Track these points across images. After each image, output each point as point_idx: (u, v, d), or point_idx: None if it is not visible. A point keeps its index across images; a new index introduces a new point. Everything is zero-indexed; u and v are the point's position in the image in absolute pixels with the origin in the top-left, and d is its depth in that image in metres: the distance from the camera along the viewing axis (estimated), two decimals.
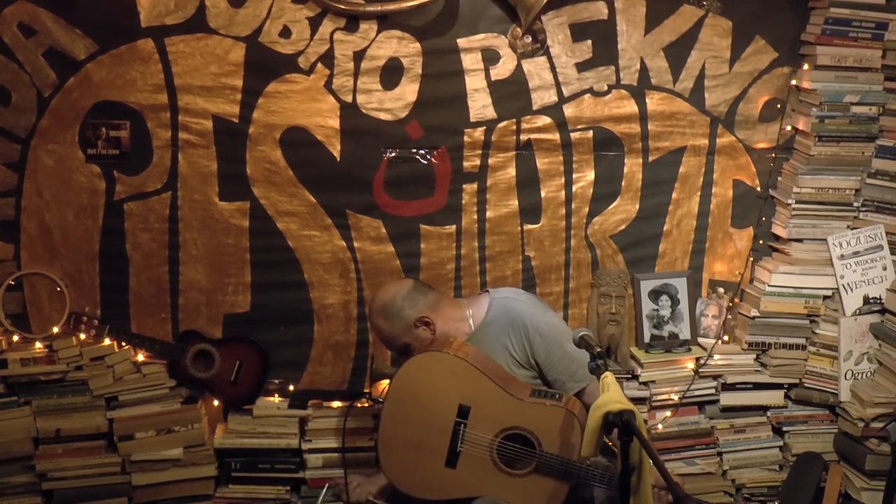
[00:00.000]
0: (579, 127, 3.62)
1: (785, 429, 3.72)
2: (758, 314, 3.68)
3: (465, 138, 3.57)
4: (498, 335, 3.01)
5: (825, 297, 3.69)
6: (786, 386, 3.74)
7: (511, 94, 3.56)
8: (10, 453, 3.38)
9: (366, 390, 3.66)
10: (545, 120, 3.59)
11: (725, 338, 3.77)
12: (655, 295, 3.72)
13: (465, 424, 2.85)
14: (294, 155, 3.52)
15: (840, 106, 3.57)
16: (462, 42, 3.49)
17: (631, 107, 3.63)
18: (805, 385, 3.72)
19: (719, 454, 3.69)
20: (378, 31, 3.45)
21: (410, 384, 2.91)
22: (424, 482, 2.88)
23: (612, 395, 2.47)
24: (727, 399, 3.70)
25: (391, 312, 3.03)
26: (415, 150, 3.56)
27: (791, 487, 3.55)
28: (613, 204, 3.70)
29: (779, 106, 3.71)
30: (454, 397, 2.87)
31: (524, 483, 2.83)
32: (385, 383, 3.51)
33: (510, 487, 2.83)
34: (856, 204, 3.69)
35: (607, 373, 2.57)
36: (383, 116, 3.52)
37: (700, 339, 3.76)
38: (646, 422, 3.61)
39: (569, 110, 3.60)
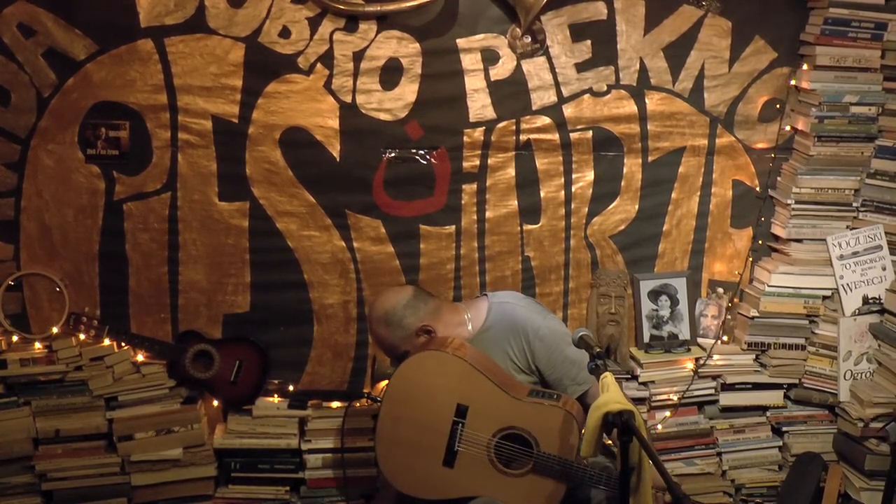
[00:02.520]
0: (579, 127, 3.62)
1: (784, 429, 3.72)
2: (757, 314, 3.68)
3: (465, 138, 3.57)
4: (498, 341, 3.00)
5: (824, 298, 3.69)
6: (785, 386, 3.74)
7: (510, 95, 3.56)
8: (9, 453, 3.38)
9: (366, 391, 3.66)
10: (545, 120, 3.60)
11: (725, 338, 3.77)
12: (655, 295, 3.72)
13: (463, 424, 2.85)
14: (294, 155, 3.52)
15: (839, 106, 3.57)
16: (461, 42, 3.50)
17: (630, 107, 3.63)
18: (804, 385, 3.72)
19: (719, 454, 3.69)
20: (377, 32, 3.45)
21: (408, 383, 2.91)
22: (422, 482, 2.88)
23: (611, 395, 2.47)
24: (727, 399, 3.70)
25: (392, 321, 3.01)
26: (414, 151, 3.56)
27: (790, 487, 3.55)
28: (613, 204, 3.71)
29: (778, 106, 3.71)
30: (452, 397, 2.87)
31: (522, 483, 2.83)
32: (385, 383, 3.51)
33: (508, 487, 2.83)
34: (855, 204, 3.69)
35: (607, 373, 2.57)
36: (383, 116, 3.52)
37: (699, 340, 3.76)
38: (645, 422, 3.60)
39: (568, 110, 3.60)
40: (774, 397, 3.72)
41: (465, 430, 2.85)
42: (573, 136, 3.62)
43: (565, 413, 2.83)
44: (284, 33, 3.42)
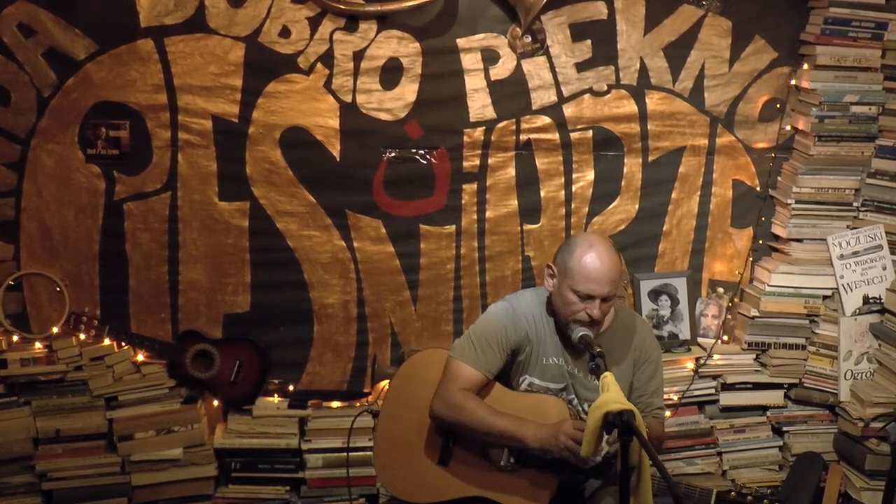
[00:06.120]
0: (579, 127, 3.62)
1: (785, 429, 3.72)
2: (757, 314, 3.68)
3: (465, 138, 3.57)
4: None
5: (825, 297, 3.69)
6: (785, 386, 3.74)
7: (511, 94, 3.56)
8: (10, 453, 3.38)
9: (366, 390, 3.67)
10: (545, 120, 3.59)
11: (725, 338, 3.77)
12: (655, 295, 3.72)
13: None
14: (294, 155, 3.52)
15: (840, 106, 3.57)
16: (461, 42, 3.49)
17: (630, 107, 3.63)
18: (805, 385, 3.72)
19: (719, 454, 3.69)
20: (377, 31, 3.45)
21: (408, 382, 2.90)
22: (418, 483, 2.85)
23: (611, 395, 2.46)
24: (727, 399, 3.69)
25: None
26: (414, 150, 3.56)
27: (791, 487, 3.55)
28: (613, 204, 3.70)
29: (778, 106, 3.71)
30: None
31: (516, 477, 2.82)
32: (385, 384, 3.51)
33: (502, 482, 2.82)
34: (855, 204, 3.69)
35: (607, 373, 2.56)
36: (383, 116, 3.52)
37: (700, 339, 3.76)
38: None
39: (568, 110, 3.60)
40: (775, 397, 3.72)
41: None
42: (573, 135, 3.62)
43: (558, 401, 2.83)
44: (284, 33, 3.42)
